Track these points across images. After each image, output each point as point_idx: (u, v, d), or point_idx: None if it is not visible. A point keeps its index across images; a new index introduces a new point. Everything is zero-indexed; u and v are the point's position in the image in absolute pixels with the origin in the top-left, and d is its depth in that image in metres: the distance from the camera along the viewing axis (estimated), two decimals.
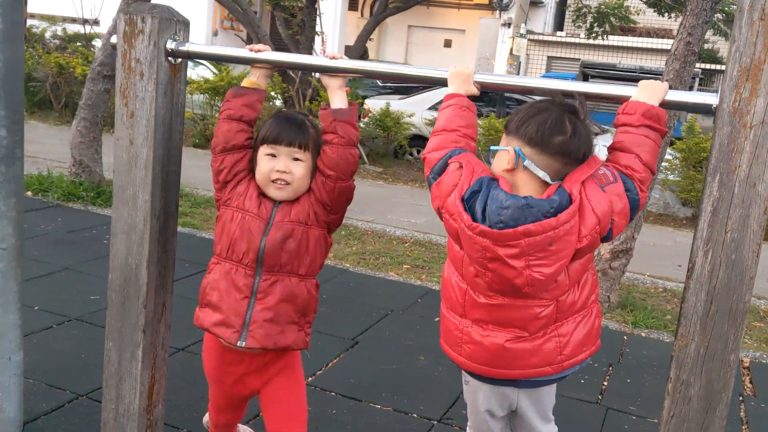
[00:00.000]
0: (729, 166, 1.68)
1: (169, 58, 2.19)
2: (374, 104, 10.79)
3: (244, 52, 2.22)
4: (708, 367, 1.74)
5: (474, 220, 1.74)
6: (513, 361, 1.89)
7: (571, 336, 1.86)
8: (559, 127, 1.77)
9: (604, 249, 4.83)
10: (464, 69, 1.95)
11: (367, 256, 5.61)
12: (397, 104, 10.81)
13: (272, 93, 10.54)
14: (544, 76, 17.75)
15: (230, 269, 2.15)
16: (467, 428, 2.22)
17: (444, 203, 1.83)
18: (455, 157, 1.85)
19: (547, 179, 1.78)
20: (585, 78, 15.47)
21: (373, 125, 10.43)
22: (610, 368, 3.84)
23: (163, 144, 2.22)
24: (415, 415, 3.11)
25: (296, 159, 2.11)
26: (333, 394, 3.19)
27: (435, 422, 3.06)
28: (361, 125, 10.48)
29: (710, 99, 1.72)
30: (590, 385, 3.59)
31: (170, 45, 2.17)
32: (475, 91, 1.94)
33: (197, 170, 8.27)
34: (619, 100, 1.84)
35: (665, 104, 1.79)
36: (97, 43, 12.01)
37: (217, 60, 2.31)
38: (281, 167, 2.09)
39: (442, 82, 2.00)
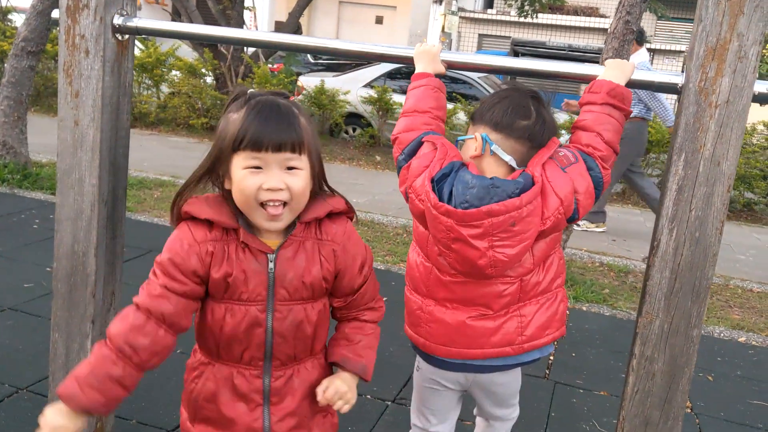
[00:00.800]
0: (694, 145, 1.70)
1: (117, 35, 2.08)
2: (308, 81, 10.63)
3: (195, 27, 2.13)
4: (672, 342, 1.78)
5: (440, 200, 1.72)
6: (474, 340, 1.87)
7: (533, 317, 1.86)
8: (524, 111, 1.78)
9: None
10: (431, 47, 1.91)
11: None
12: (332, 81, 10.68)
13: (203, 70, 10.27)
14: (476, 54, 17.88)
15: (229, 374, 1.62)
16: (411, 411, 2.21)
17: (412, 184, 1.80)
18: (429, 137, 1.82)
19: (513, 164, 1.77)
20: (515, 56, 15.65)
21: (308, 103, 10.28)
22: (555, 343, 3.91)
23: (111, 125, 2.11)
24: (368, 396, 3.09)
25: (291, 168, 1.51)
26: None
27: (389, 403, 3.06)
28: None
29: (676, 78, 1.74)
30: None
31: (117, 20, 2.05)
32: (442, 69, 1.91)
33: None
34: (586, 79, 1.84)
35: (632, 84, 1.80)
36: (15, 17, 11.44)
37: (167, 36, 2.18)
38: (273, 183, 1.48)
39: (407, 61, 1.96)
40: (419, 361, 2.05)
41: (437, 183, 1.73)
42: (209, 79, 10.46)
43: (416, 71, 1.91)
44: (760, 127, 8.90)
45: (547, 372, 3.55)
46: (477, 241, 1.71)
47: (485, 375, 1.97)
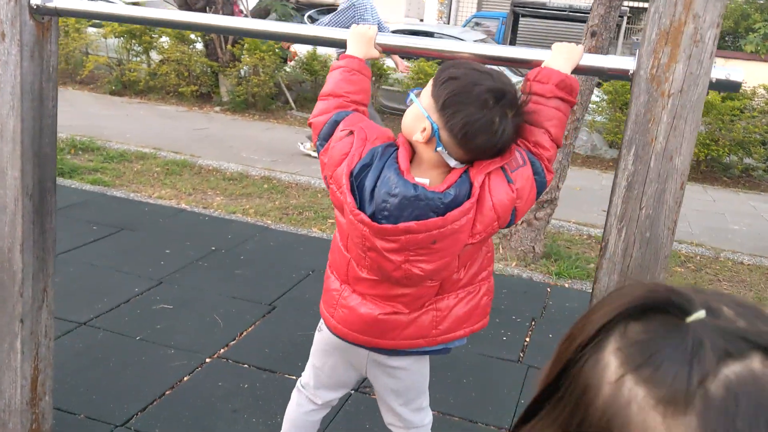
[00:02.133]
0: (645, 138, 1.56)
1: (35, 16, 1.93)
2: (300, 47, 10.40)
3: (121, 8, 1.98)
4: None
5: (361, 198, 1.59)
6: (386, 332, 1.77)
7: (450, 311, 1.75)
8: (488, 128, 1.55)
9: None
10: (366, 30, 1.76)
11: (290, 211, 5.43)
12: (324, 47, 10.44)
13: (192, 36, 10.05)
14: (475, 16, 17.54)
15: None
16: (304, 372, 2.09)
17: (333, 173, 1.65)
18: (344, 122, 1.68)
19: (458, 166, 1.62)
20: (515, 17, 15.31)
21: (300, 69, 10.08)
22: (533, 323, 3.81)
23: (33, 114, 1.97)
24: None
25: None
26: (246, 366, 3.05)
27: (352, 392, 2.97)
28: (287, 69, 10.13)
29: (627, 64, 1.59)
30: (512, 342, 3.55)
31: (35, 1, 1.91)
32: (375, 53, 1.77)
33: (112, 120, 7.87)
34: (531, 64, 1.69)
35: (580, 69, 1.66)
36: None
37: (91, 17, 2.04)
38: None
39: (341, 44, 1.82)
40: (322, 324, 1.94)
41: (357, 177, 1.60)
42: (199, 46, 10.25)
43: (346, 52, 1.77)
44: (761, 91, 8.67)
45: (521, 355, 3.44)
46: (392, 255, 1.59)
47: (387, 355, 1.86)
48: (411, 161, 1.63)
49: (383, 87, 9.84)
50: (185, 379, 2.90)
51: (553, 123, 1.63)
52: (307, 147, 7.44)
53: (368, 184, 1.57)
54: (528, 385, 3.17)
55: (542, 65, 1.65)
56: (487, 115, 1.54)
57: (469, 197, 1.54)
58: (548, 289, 4.37)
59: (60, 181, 5.37)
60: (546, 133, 1.63)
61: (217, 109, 9.47)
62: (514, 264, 4.72)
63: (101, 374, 2.86)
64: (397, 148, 1.62)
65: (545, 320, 3.87)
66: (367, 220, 1.56)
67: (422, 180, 1.58)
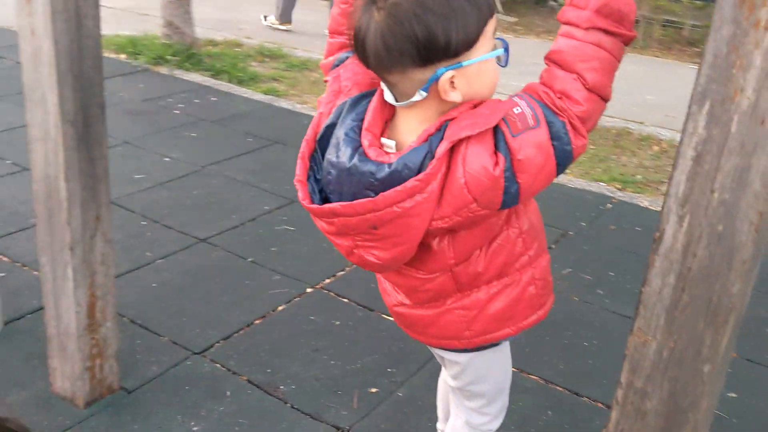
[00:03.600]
0: (726, 90, 1.08)
1: None
2: None
3: None
4: (672, 375, 1.23)
5: (320, 169, 1.27)
6: (409, 325, 1.50)
7: (482, 310, 1.39)
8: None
9: None
10: None
11: None
12: None
13: None
14: None
15: None
16: None
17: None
18: (333, 72, 1.35)
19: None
20: None
21: None
22: None
23: (69, 34, 1.86)
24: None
25: None
26: (346, 301, 2.88)
27: None
28: None
29: None
30: None
31: None
32: None
33: (304, 25, 7.85)
34: None
35: None
36: None
37: None
38: None
39: None
40: None
41: (321, 141, 1.27)
42: None
43: None
44: None
45: None
46: (336, 238, 1.27)
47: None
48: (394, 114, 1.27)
49: None
50: (279, 308, 2.80)
51: (591, 65, 1.17)
52: (270, 20, 7.53)
53: (330, 150, 1.25)
54: None
55: None
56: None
57: (415, 174, 1.15)
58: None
59: (235, 89, 5.48)
60: (578, 79, 1.18)
61: None
62: None
63: (199, 296, 2.85)
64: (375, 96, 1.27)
65: None
66: (301, 196, 1.25)
67: (388, 142, 1.22)
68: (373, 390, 2.38)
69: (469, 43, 1.15)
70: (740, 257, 1.13)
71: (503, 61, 1.21)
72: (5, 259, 2.98)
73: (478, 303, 1.38)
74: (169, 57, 5.85)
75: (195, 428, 2.16)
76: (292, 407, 2.28)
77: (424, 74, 1.16)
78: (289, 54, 6.65)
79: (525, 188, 1.18)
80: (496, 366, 1.60)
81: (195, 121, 4.73)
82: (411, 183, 1.14)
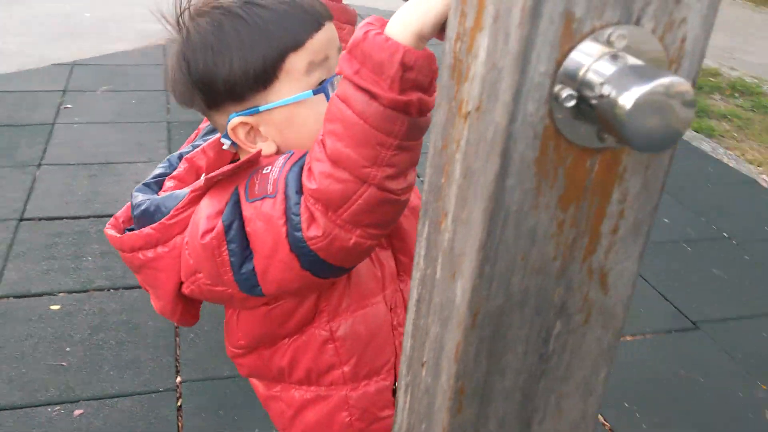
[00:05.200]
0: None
1: None
2: None
3: None
4: None
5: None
6: None
7: (297, 413, 1.11)
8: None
9: None
10: None
11: None
12: None
13: None
14: None
15: None
16: None
17: None
18: None
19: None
20: None
21: None
22: None
23: None
24: None
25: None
26: None
27: None
28: None
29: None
30: None
31: None
32: None
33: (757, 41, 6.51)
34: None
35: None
36: None
37: None
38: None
39: None
40: None
41: None
42: None
43: None
44: None
45: None
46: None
47: None
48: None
49: None
50: None
51: (333, 128, 0.81)
52: None
53: None
54: None
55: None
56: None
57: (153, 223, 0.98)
58: None
59: None
60: (320, 145, 0.83)
61: None
62: None
63: None
64: None
65: None
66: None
67: None
68: None
69: (255, 84, 0.94)
70: None
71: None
72: None
73: (293, 403, 1.12)
74: None
75: None
76: None
77: (221, 118, 1.00)
78: (766, 93, 5.73)
79: (260, 272, 0.90)
80: None
81: None
82: (147, 230, 0.98)
